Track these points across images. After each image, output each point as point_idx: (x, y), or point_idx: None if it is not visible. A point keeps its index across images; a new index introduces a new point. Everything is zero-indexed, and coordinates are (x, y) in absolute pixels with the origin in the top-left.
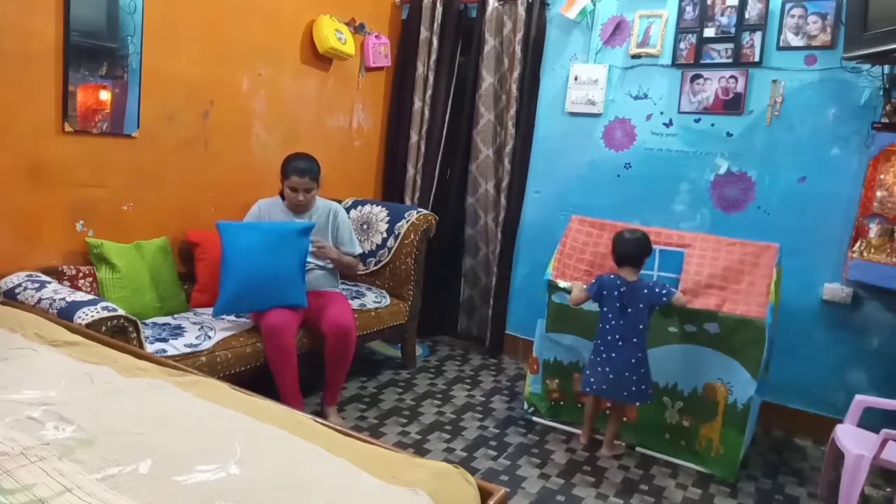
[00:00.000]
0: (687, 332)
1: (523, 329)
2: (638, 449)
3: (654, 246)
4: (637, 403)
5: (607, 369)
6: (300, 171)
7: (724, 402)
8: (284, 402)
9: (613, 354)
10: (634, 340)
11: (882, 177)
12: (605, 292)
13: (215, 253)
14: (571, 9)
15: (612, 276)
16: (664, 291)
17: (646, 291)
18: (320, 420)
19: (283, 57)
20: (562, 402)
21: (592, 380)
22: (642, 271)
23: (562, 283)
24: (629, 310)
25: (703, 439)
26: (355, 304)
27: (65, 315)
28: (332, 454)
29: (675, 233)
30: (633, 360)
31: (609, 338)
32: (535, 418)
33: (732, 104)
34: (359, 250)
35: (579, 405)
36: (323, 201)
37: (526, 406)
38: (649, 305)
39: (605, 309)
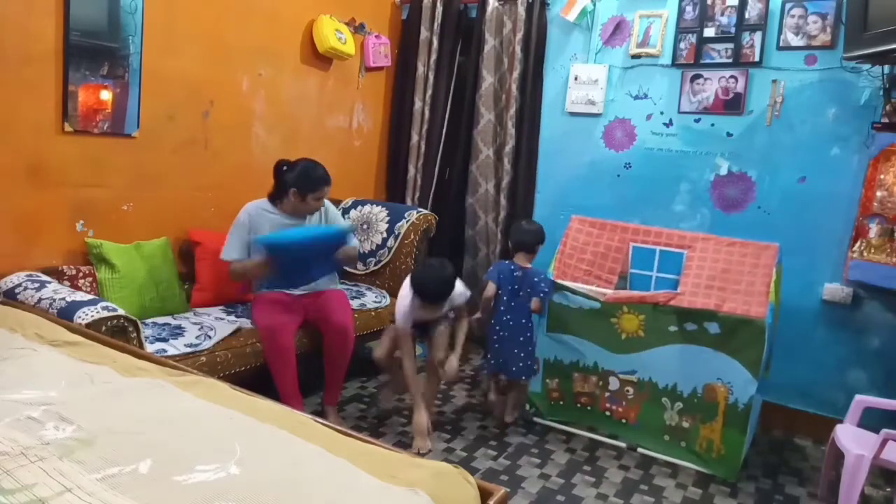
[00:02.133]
0: (687, 332)
1: None
2: (640, 450)
3: (654, 246)
4: (529, 378)
5: (516, 350)
6: (328, 181)
7: (725, 402)
8: (284, 402)
9: (519, 337)
10: (523, 321)
11: (882, 177)
12: (501, 276)
13: (215, 253)
14: (571, 11)
15: (508, 262)
16: (547, 288)
17: (535, 280)
18: (320, 420)
19: (283, 57)
20: (562, 402)
21: (502, 360)
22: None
23: (562, 282)
24: (520, 294)
25: (704, 440)
26: (355, 303)
27: (65, 315)
28: (332, 454)
29: (675, 233)
30: (532, 339)
31: (504, 318)
32: (535, 419)
33: (732, 104)
34: (348, 222)
35: (578, 405)
36: None
37: (527, 406)
38: (536, 293)
39: (501, 292)
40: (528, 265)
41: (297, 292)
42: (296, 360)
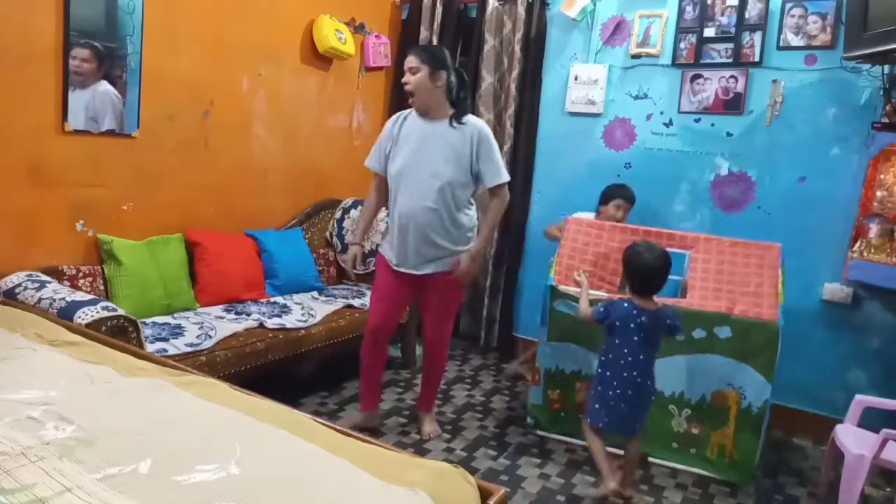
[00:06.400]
0: (695, 340)
1: (526, 329)
2: (650, 459)
3: None
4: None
5: (623, 406)
6: (409, 51)
7: (737, 407)
8: (362, 395)
9: (630, 392)
10: (652, 370)
11: (882, 177)
12: (617, 323)
13: (215, 253)
14: (572, 7)
15: (627, 304)
16: (678, 324)
17: (668, 322)
18: (320, 420)
19: (283, 57)
20: (563, 413)
21: (608, 419)
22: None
23: (565, 289)
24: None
25: (715, 446)
26: (355, 303)
27: (65, 315)
28: (332, 454)
29: (676, 233)
30: (652, 396)
31: (626, 374)
32: (538, 431)
33: (732, 104)
34: (504, 178)
35: (581, 415)
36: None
37: (528, 419)
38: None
39: (619, 341)
40: (654, 306)
41: (407, 272)
42: (386, 362)
